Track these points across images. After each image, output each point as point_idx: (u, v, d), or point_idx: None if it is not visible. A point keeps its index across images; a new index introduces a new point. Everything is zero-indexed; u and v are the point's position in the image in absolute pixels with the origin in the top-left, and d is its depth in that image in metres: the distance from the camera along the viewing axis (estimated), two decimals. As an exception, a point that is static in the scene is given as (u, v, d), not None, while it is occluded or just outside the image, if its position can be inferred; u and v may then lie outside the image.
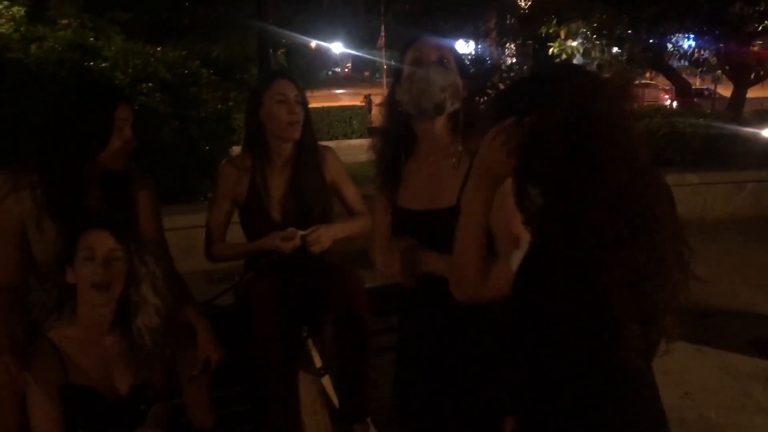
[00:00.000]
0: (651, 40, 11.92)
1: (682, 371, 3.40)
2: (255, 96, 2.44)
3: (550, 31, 10.79)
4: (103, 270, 1.75)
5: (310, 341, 2.40)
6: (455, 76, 1.71)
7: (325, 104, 22.24)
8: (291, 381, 2.28)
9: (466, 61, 8.57)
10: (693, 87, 18.49)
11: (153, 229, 2.17)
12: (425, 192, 1.74)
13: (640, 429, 1.26)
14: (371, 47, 29.50)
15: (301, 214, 2.40)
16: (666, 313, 1.19)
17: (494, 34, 17.73)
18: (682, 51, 13.56)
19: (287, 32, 12.67)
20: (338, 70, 46.80)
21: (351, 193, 2.58)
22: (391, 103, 1.80)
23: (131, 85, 5.73)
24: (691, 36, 13.10)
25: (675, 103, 16.68)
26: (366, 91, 26.79)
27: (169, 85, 5.97)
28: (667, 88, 23.72)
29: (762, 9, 11.60)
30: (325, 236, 2.34)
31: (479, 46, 18.54)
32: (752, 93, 14.42)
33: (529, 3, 13.43)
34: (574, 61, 11.02)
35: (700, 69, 15.39)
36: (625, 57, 11.73)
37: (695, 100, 15.94)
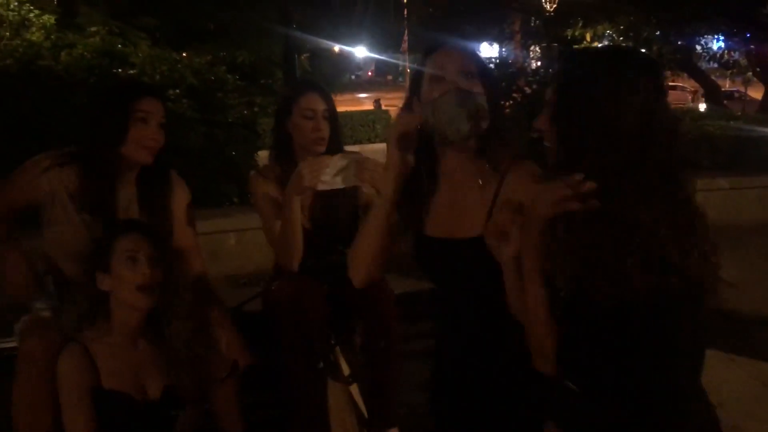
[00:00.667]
0: (679, 42, 11.75)
1: (714, 381, 3.32)
2: (284, 106, 2.45)
3: (576, 33, 10.69)
4: (150, 272, 1.77)
5: (337, 348, 2.40)
6: (481, 95, 1.56)
7: (349, 108, 22.33)
8: (319, 388, 2.27)
9: (491, 65, 8.52)
10: (723, 89, 18.20)
11: (187, 233, 2.20)
12: (448, 218, 1.63)
13: None
14: (395, 51, 29.56)
15: (330, 222, 2.39)
16: None
17: (519, 36, 17.63)
18: (711, 52, 13.35)
19: (311, 37, 12.75)
20: (360, 73, 46.93)
21: None
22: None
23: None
24: (721, 37, 12.90)
25: (703, 106, 16.44)
26: (390, 95, 26.78)
27: (195, 90, 6.02)
28: (691, 89, 23.39)
29: (794, 9, 11.37)
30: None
31: (504, 49, 18.46)
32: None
33: (555, 5, 13.30)
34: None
35: (729, 71, 15.14)
36: (652, 59, 11.54)
37: (725, 102, 15.68)
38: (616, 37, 11.12)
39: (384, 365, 2.25)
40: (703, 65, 14.90)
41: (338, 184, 2.12)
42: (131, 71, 5.93)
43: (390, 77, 44.88)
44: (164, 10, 12.09)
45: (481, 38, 20.55)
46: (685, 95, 25.47)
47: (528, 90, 7.77)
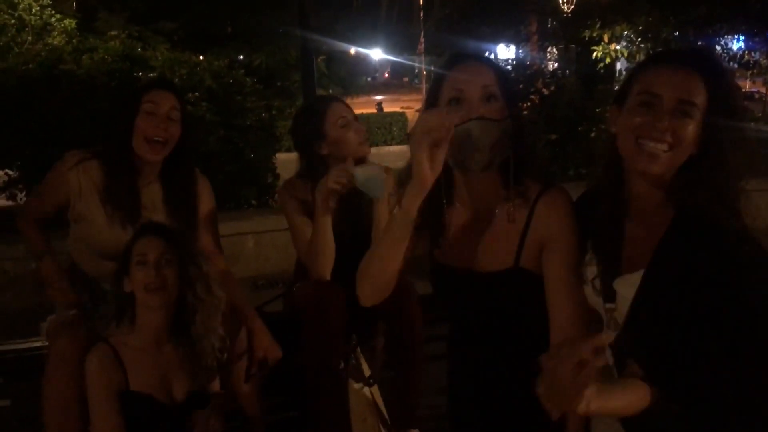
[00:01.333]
0: (699, 42, 11.62)
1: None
2: (313, 128, 2.33)
3: (594, 34, 10.60)
4: (155, 273, 1.80)
5: (359, 350, 2.40)
6: (505, 121, 1.44)
7: (365, 111, 22.33)
8: (340, 389, 2.28)
9: (509, 66, 8.47)
10: (743, 90, 17.98)
11: (210, 234, 2.23)
12: (471, 248, 1.52)
13: None
14: (411, 53, 29.53)
15: (354, 236, 2.37)
16: None
17: (536, 38, 17.51)
18: (731, 53, 13.19)
19: (327, 39, 12.78)
20: (376, 76, 46.93)
21: None
22: None
23: (178, 94, 5.84)
24: (741, 38, 12.75)
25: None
26: (406, 98, 26.72)
27: (214, 93, 6.05)
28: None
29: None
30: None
31: (521, 51, 18.38)
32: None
33: (572, 6, 13.21)
34: (618, 66, 10.84)
35: (750, 71, 14.95)
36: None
37: (745, 103, 15.48)
38: (634, 38, 11.01)
39: (407, 366, 2.25)
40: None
41: (366, 190, 2.11)
42: (151, 74, 5.98)
43: (406, 79, 44.84)
44: (182, 15, 12.20)
45: (497, 40, 20.47)
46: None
47: (545, 92, 7.74)
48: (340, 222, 2.37)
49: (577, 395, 1.06)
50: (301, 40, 6.87)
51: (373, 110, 23.32)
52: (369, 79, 34.82)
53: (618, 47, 10.71)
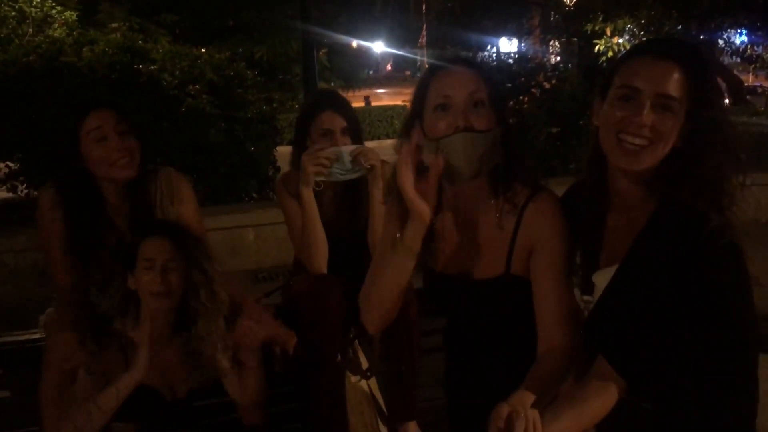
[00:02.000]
0: (701, 36, 11.58)
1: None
2: (302, 125, 2.40)
3: (596, 28, 10.57)
4: (161, 279, 1.78)
5: (356, 342, 2.41)
6: (493, 130, 1.42)
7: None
8: (338, 382, 2.29)
9: (510, 60, 8.44)
10: (746, 84, 17.92)
11: (198, 231, 2.20)
12: (462, 256, 1.53)
13: None
14: (413, 46, 29.47)
15: (352, 229, 2.39)
16: None
17: (538, 31, 17.49)
18: (733, 47, 13.15)
19: (329, 33, 12.76)
20: (378, 68, 46.83)
21: None
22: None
23: (179, 87, 5.82)
24: (744, 31, 12.70)
25: (725, 101, 16.21)
26: (408, 91, 26.54)
27: (215, 86, 6.05)
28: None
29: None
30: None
31: (523, 44, 18.34)
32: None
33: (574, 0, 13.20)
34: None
35: (752, 65, 14.91)
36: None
37: (748, 97, 15.46)
38: (636, 32, 10.98)
39: (403, 359, 2.26)
40: (726, 60, 14.68)
41: (349, 174, 2.21)
42: (152, 67, 5.97)
43: (408, 72, 44.72)
44: (184, 7, 12.18)
45: (499, 33, 20.43)
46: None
47: (547, 85, 7.71)
48: (336, 216, 2.38)
49: None
50: (303, 33, 6.87)
51: (375, 103, 23.26)
52: (371, 72, 34.74)
53: (620, 41, 10.68)
